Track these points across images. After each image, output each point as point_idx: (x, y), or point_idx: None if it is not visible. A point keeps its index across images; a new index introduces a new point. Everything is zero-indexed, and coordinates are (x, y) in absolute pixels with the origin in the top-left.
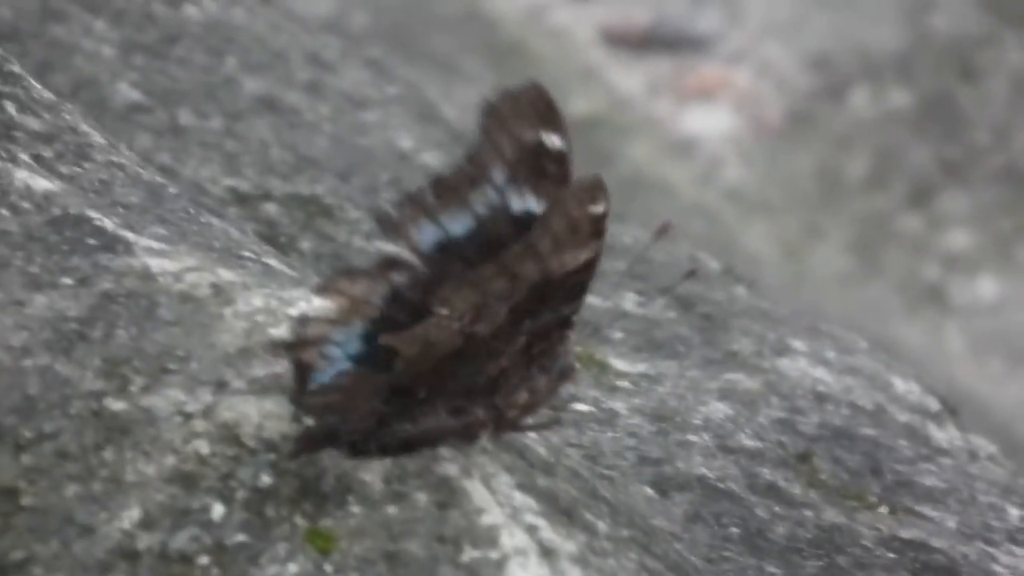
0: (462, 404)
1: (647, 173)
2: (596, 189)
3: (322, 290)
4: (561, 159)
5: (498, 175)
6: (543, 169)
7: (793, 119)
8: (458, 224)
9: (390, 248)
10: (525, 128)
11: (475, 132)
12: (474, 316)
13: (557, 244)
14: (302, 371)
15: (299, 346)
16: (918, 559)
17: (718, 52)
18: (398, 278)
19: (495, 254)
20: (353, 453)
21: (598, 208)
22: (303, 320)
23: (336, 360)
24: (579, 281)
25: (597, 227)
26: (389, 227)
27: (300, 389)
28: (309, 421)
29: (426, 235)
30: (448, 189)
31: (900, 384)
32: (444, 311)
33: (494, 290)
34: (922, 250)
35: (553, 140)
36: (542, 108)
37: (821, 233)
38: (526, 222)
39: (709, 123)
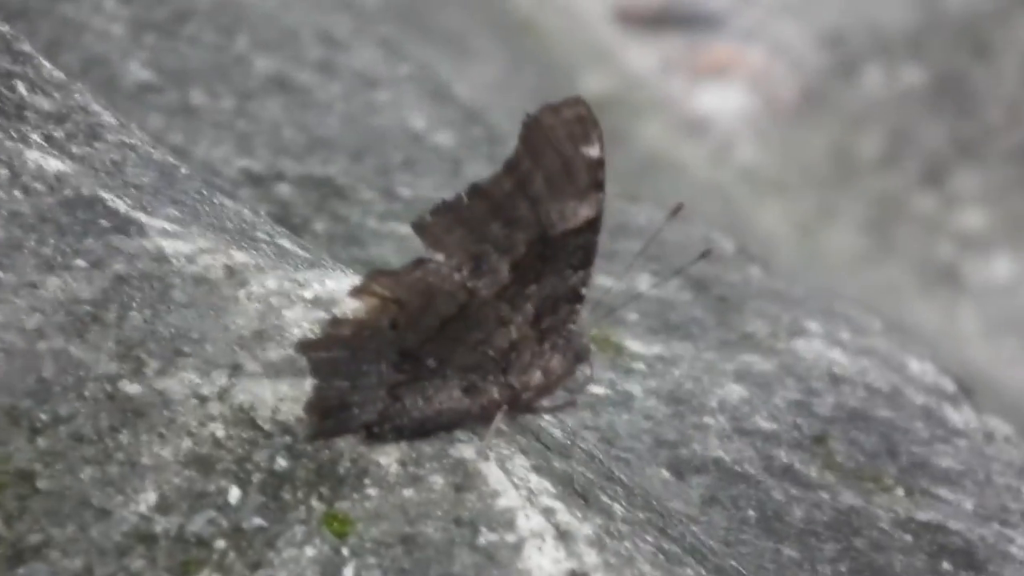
0: (475, 381)
1: (660, 153)
2: (574, 102)
3: (357, 293)
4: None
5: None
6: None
7: (806, 97)
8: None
9: (429, 255)
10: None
11: (516, 144)
12: (472, 267)
13: (552, 187)
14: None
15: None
16: (935, 541)
17: (731, 30)
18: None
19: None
20: (369, 437)
21: (592, 151)
22: (335, 322)
23: None
24: (582, 245)
25: (594, 176)
26: (428, 235)
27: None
28: (318, 386)
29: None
30: (484, 198)
31: (915, 365)
32: (439, 256)
33: (489, 235)
34: (936, 229)
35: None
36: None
37: (835, 213)
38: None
39: (722, 102)
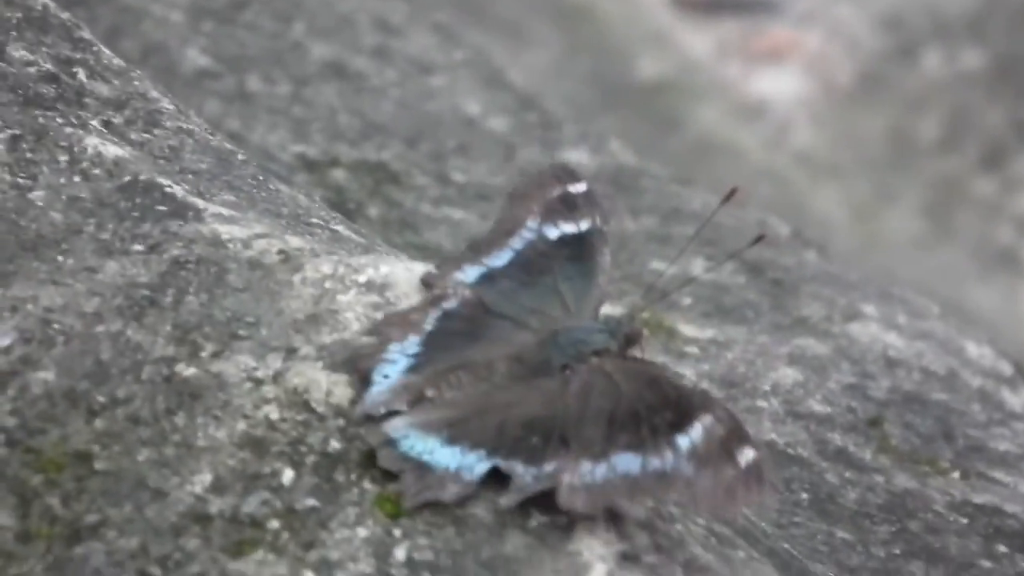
0: None
1: (716, 137)
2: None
3: (370, 332)
4: (587, 196)
5: (532, 221)
6: (573, 204)
7: (864, 81)
8: (499, 260)
9: (438, 290)
10: (549, 188)
11: (502, 206)
12: None
13: None
14: (365, 374)
15: (361, 358)
16: (991, 524)
17: (788, 13)
18: (448, 304)
19: (533, 267)
20: None
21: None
22: (362, 349)
23: (396, 359)
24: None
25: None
26: (434, 279)
27: (364, 384)
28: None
29: (471, 273)
30: (486, 241)
31: (973, 348)
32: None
33: None
34: (995, 213)
35: (577, 187)
36: (562, 172)
37: (892, 196)
38: (562, 239)
39: (779, 85)
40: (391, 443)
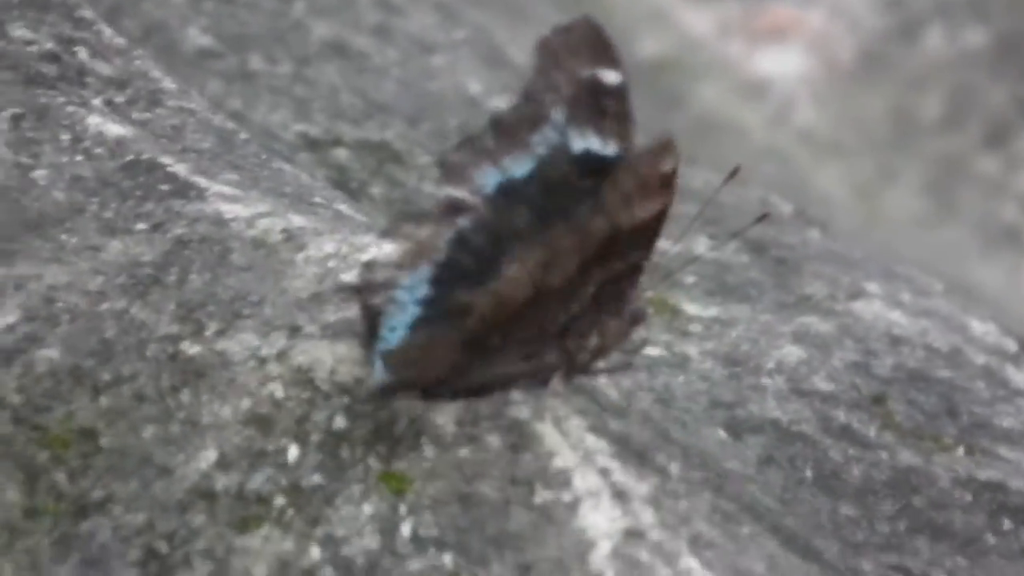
0: (535, 349)
1: (718, 116)
2: (667, 150)
3: (387, 233)
4: (620, 95)
5: (557, 114)
6: (602, 107)
7: (866, 59)
8: (519, 167)
9: (453, 192)
10: (580, 64)
11: (531, 69)
12: (545, 270)
13: (627, 201)
14: (371, 316)
15: (367, 291)
16: (995, 500)
17: None
18: (462, 222)
19: (557, 196)
20: (426, 397)
21: (667, 166)
22: (370, 265)
23: (404, 305)
24: (649, 231)
25: (667, 182)
26: (451, 171)
27: (370, 334)
28: (386, 375)
29: (488, 179)
30: (508, 130)
31: (977, 325)
32: (516, 268)
33: (564, 247)
34: (999, 191)
35: (610, 76)
36: (596, 43)
37: (895, 175)
38: (587, 161)
39: (781, 64)
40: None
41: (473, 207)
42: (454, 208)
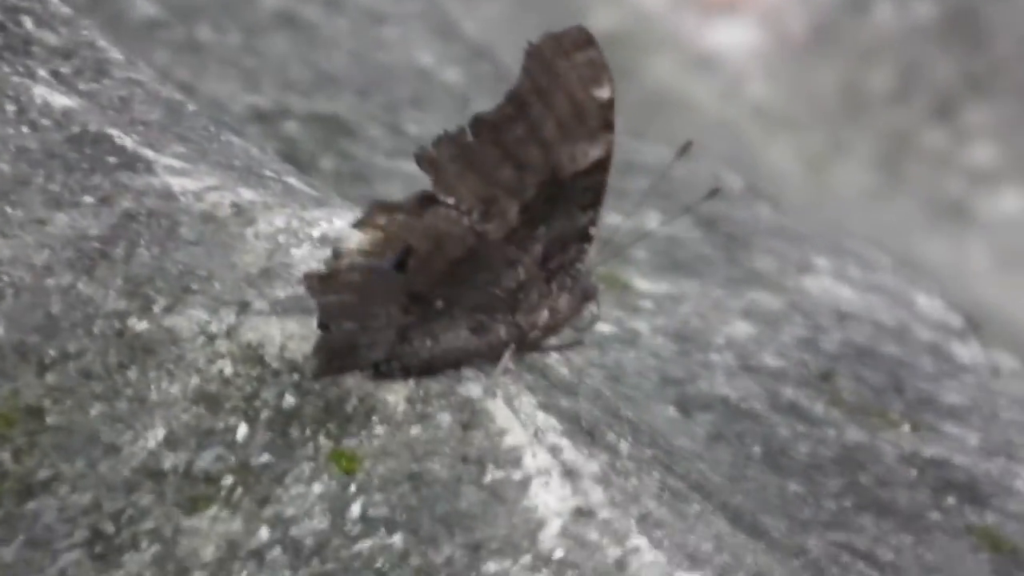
0: (483, 320)
1: (670, 90)
2: (593, 63)
3: (360, 224)
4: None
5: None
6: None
7: (817, 33)
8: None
9: (429, 188)
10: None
11: (519, 74)
12: (483, 211)
13: (563, 130)
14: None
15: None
16: (940, 476)
17: None
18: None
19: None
20: (376, 375)
21: (603, 92)
22: (337, 253)
23: None
24: (592, 185)
25: (605, 116)
26: (427, 165)
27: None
28: (327, 330)
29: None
30: (490, 132)
31: (924, 301)
32: (450, 200)
33: (500, 179)
34: (946, 165)
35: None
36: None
37: (845, 149)
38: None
39: (732, 38)
40: None
41: (455, 215)
42: (428, 201)
